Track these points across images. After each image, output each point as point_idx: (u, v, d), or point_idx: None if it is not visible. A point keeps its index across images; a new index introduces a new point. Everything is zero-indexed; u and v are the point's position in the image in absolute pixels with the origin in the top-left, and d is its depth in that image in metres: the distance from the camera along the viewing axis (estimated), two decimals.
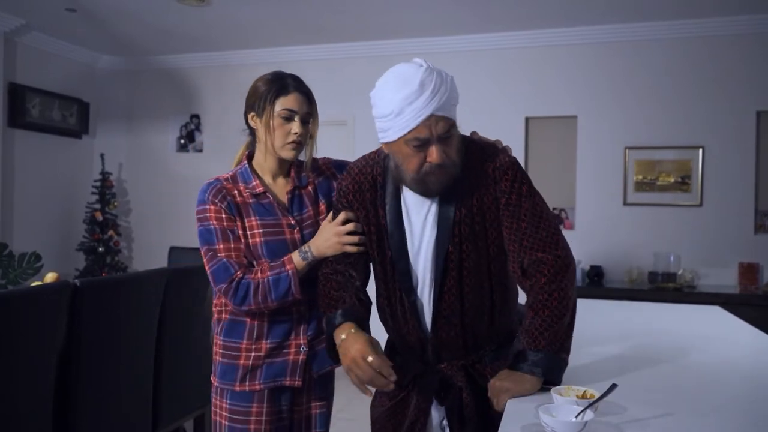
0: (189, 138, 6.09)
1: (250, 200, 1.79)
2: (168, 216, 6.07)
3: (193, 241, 6.22)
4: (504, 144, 1.71)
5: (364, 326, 1.59)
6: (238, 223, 1.77)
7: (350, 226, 1.67)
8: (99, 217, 5.78)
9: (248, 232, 1.77)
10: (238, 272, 1.72)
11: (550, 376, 1.46)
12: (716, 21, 4.63)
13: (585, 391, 1.37)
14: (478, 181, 1.56)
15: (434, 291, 1.58)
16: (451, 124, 1.49)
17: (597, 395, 1.33)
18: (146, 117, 6.20)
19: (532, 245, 1.51)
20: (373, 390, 1.50)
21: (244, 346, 1.80)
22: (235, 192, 1.79)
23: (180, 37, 5.38)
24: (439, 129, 1.47)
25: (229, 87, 5.89)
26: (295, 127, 1.78)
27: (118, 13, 4.81)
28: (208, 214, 1.77)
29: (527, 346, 1.47)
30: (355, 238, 1.67)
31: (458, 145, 1.54)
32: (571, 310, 1.51)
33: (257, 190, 1.80)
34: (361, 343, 1.49)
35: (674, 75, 4.78)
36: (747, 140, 4.65)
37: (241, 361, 1.80)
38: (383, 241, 1.63)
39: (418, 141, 1.47)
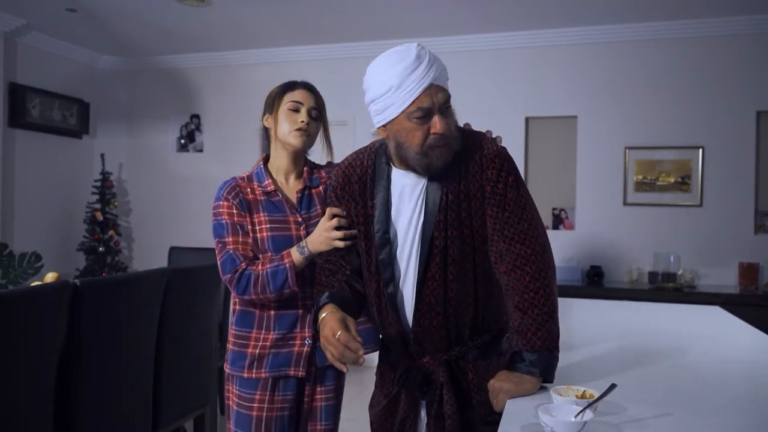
0: (189, 138, 6.10)
1: (261, 198, 1.93)
2: (168, 216, 6.07)
3: (193, 241, 6.23)
4: (495, 136, 1.70)
5: (348, 308, 1.61)
6: (248, 219, 1.90)
7: (336, 222, 1.72)
8: (99, 217, 5.78)
9: (256, 227, 1.90)
10: (242, 264, 1.85)
11: (547, 375, 1.47)
12: (716, 21, 4.63)
13: (584, 390, 1.37)
14: (466, 167, 1.56)
15: (418, 277, 1.58)
16: (449, 96, 1.53)
17: (596, 395, 1.33)
18: (146, 117, 6.21)
19: (512, 235, 1.51)
20: (349, 367, 1.53)
21: (253, 335, 1.92)
22: (248, 190, 1.94)
23: (180, 37, 5.38)
24: (440, 98, 1.51)
25: (230, 87, 5.90)
26: (302, 116, 1.93)
27: (118, 13, 4.82)
28: (221, 210, 1.92)
29: (522, 347, 1.47)
30: (341, 233, 1.71)
31: (455, 120, 1.57)
32: (556, 305, 1.52)
33: (269, 188, 1.94)
34: (334, 321, 1.52)
35: (674, 75, 4.79)
36: (747, 140, 4.65)
37: (249, 350, 1.91)
38: (370, 232, 1.64)
39: (422, 112, 1.50)
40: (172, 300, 2.84)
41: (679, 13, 4.57)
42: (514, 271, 1.50)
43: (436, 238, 1.56)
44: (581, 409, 1.24)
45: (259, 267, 1.83)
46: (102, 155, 6.00)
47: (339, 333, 1.48)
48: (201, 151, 6.04)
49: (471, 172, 1.56)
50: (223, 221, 1.90)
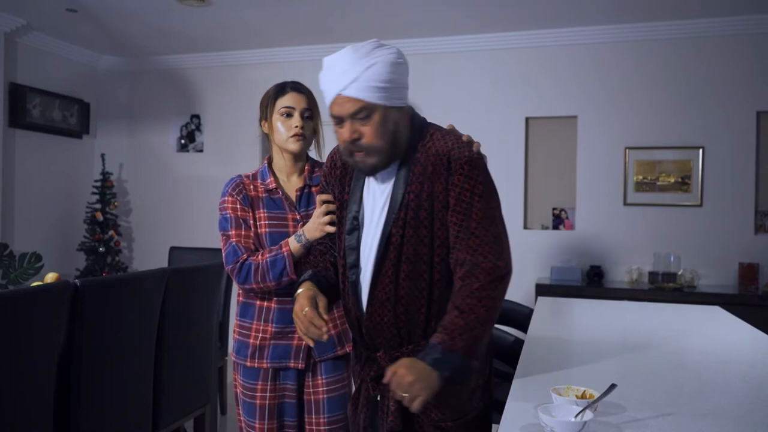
0: (189, 138, 6.10)
1: (263, 195, 2.02)
2: (168, 216, 6.07)
3: (194, 241, 6.23)
4: (474, 141, 1.66)
5: (326, 288, 1.68)
6: (251, 214, 1.99)
7: (325, 208, 1.80)
8: (99, 217, 5.78)
9: (258, 223, 1.99)
10: (244, 255, 1.94)
11: (456, 377, 1.46)
12: (717, 21, 4.63)
13: (584, 391, 1.37)
14: (434, 169, 1.55)
15: (373, 271, 1.59)
16: (361, 106, 1.49)
17: (596, 395, 1.33)
18: (147, 117, 6.21)
19: (476, 247, 1.50)
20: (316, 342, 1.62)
21: (254, 326, 2.01)
22: (251, 187, 2.02)
23: (180, 37, 5.38)
24: (345, 109, 1.50)
25: (230, 87, 5.90)
26: (295, 121, 1.99)
27: (119, 13, 4.82)
28: (226, 205, 2.01)
29: (442, 344, 1.46)
30: (330, 218, 1.78)
31: (383, 128, 1.52)
32: (493, 321, 1.51)
33: (270, 186, 2.02)
34: (304, 298, 1.59)
35: (674, 75, 4.78)
36: (747, 140, 4.65)
37: (251, 340, 2.01)
38: (344, 216, 1.68)
39: (334, 119, 1.55)
40: (172, 300, 2.84)
41: (679, 14, 4.57)
42: (468, 277, 1.50)
43: (393, 235, 1.56)
44: (581, 409, 1.24)
45: (259, 257, 1.92)
46: (102, 155, 6.00)
47: (306, 309, 1.55)
48: (201, 151, 6.04)
49: (437, 174, 1.54)
50: (228, 215, 1.99)
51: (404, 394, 1.42)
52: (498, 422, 1.37)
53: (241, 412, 2.05)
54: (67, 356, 2.31)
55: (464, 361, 1.46)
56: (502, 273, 1.51)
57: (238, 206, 1.98)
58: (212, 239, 5.77)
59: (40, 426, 2.15)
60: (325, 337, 1.56)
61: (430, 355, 1.45)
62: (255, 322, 2.00)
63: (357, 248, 1.63)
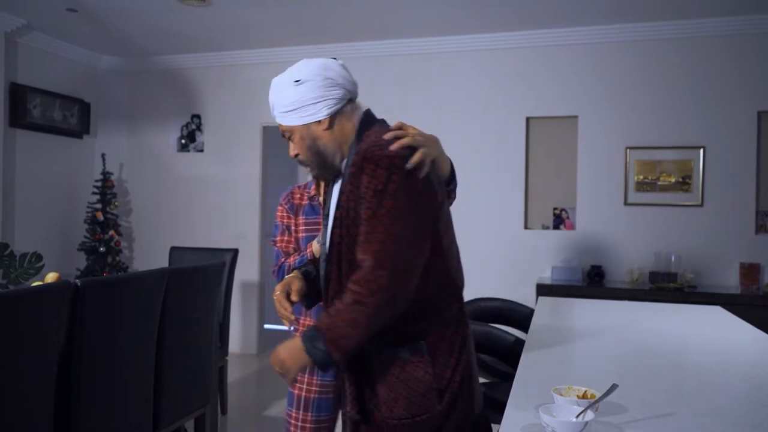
0: (190, 138, 6.10)
1: (305, 202, 2.24)
2: (169, 216, 6.07)
3: (194, 241, 6.20)
4: (409, 141, 1.58)
5: (315, 280, 1.75)
6: (293, 221, 2.23)
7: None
8: (100, 217, 5.78)
9: (297, 228, 2.22)
10: (282, 258, 2.21)
11: (313, 355, 1.48)
12: (717, 21, 4.63)
13: (585, 391, 1.37)
14: (356, 169, 1.55)
15: (324, 269, 1.64)
16: (283, 130, 1.65)
17: (597, 395, 1.33)
18: (147, 117, 6.21)
19: (361, 243, 1.50)
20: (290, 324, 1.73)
21: (301, 320, 2.23)
22: (298, 196, 2.26)
23: (180, 37, 5.38)
24: (281, 131, 1.67)
25: (230, 87, 5.90)
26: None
27: (119, 13, 4.82)
28: (278, 214, 2.28)
29: (316, 321, 1.54)
30: None
31: (303, 144, 1.63)
32: (357, 317, 1.46)
33: (311, 193, 2.24)
34: (281, 284, 1.70)
35: (675, 75, 4.78)
36: (748, 140, 4.65)
37: (298, 333, 2.16)
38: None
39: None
40: (172, 300, 2.84)
41: (679, 14, 4.57)
42: (356, 272, 1.50)
43: (334, 236, 1.59)
44: (582, 409, 1.24)
45: (290, 259, 2.17)
46: (103, 155, 6.00)
47: (277, 293, 1.67)
48: (201, 151, 6.04)
49: (357, 173, 1.54)
50: (277, 223, 2.26)
51: (279, 370, 1.54)
52: (498, 422, 1.37)
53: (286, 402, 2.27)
54: (67, 356, 2.31)
55: (317, 342, 1.47)
56: (375, 274, 1.46)
57: (285, 214, 2.24)
58: (212, 239, 5.78)
59: (40, 426, 2.15)
60: (292, 317, 1.65)
61: (306, 331, 1.52)
62: (302, 316, 2.20)
63: (325, 243, 1.68)
